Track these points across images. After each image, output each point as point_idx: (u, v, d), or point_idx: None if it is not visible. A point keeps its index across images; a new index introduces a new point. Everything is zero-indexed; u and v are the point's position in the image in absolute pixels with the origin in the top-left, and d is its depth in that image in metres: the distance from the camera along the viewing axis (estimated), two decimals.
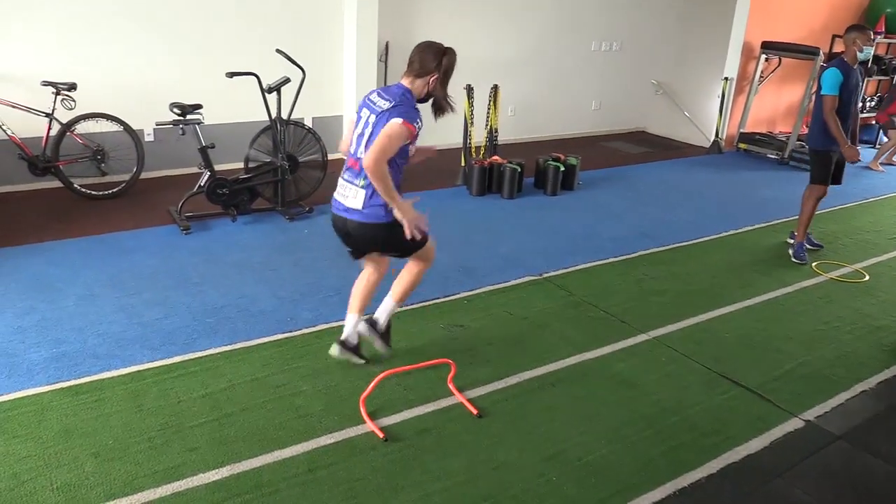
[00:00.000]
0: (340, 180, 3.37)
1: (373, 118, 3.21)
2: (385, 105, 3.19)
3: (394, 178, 3.16)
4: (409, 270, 3.58)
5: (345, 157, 3.42)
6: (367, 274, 3.67)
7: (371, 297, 3.71)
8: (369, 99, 3.30)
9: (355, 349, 3.68)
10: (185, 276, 4.68)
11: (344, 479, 2.90)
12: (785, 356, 4.13)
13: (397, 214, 3.15)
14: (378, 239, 3.36)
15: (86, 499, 2.71)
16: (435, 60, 3.23)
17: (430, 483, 2.92)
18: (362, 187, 3.23)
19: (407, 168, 3.38)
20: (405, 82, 3.28)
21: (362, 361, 3.70)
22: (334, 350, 3.66)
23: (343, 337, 3.66)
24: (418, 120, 3.17)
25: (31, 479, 2.79)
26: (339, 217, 3.38)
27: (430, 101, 3.34)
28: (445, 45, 3.31)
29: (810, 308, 4.79)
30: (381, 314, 3.67)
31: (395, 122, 3.08)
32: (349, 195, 3.30)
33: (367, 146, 3.17)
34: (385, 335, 3.72)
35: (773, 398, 3.68)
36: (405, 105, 3.17)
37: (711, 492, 2.99)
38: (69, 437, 3.05)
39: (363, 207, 3.24)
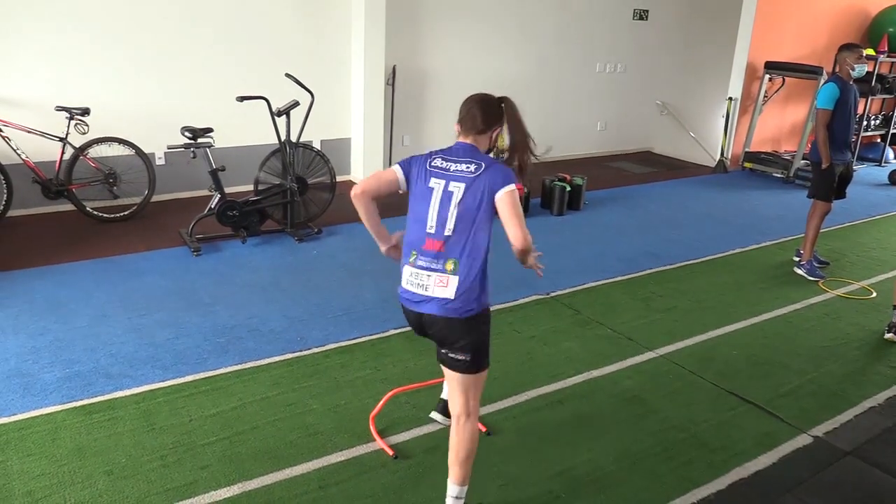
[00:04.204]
0: (411, 269, 2.75)
1: (458, 185, 2.70)
2: (467, 167, 2.73)
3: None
4: (466, 435, 2.79)
5: (357, 201, 2.89)
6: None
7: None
8: (433, 165, 2.77)
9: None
10: (195, 296, 4.73)
11: (354, 497, 2.93)
12: (793, 373, 4.14)
13: (529, 258, 2.77)
14: (463, 333, 2.74)
15: None
16: (493, 114, 2.85)
17: (440, 500, 2.92)
18: (453, 273, 2.69)
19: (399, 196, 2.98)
20: (469, 140, 2.83)
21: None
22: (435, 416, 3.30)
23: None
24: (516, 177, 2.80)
25: (46, 497, 2.83)
26: (412, 313, 2.81)
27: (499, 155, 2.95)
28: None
29: (817, 325, 4.80)
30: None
31: (511, 191, 2.68)
32: (431, 284, 2.70)
33: (457, 220, 2.69)
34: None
35: (781, 414, 3.68)
36: (495, 164, 2.75)
37: None
38: (82, 455, 3.09)
39: (455, 297, 2.68)
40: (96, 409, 3.42)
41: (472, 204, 2.68)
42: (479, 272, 2.71)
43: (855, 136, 9.83)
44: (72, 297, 4.63)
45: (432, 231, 2.71)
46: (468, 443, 2.77)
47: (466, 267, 2.68)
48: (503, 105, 2.88)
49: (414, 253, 2.75)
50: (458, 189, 2.70)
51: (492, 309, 4.78)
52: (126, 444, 3.18)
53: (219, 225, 5.69)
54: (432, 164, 2.79)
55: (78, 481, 2.93)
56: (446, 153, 2.81)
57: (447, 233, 2.70)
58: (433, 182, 2.74)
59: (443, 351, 2.80)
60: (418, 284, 2.73)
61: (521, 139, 2.89)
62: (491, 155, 2.93)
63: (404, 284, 2.78)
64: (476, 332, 2.75)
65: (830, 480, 3.20)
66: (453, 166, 2.75)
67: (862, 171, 9.85)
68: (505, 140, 3.02)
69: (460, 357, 2.75)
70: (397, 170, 2.83)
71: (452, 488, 2.81)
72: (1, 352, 3.91)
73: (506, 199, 2.67)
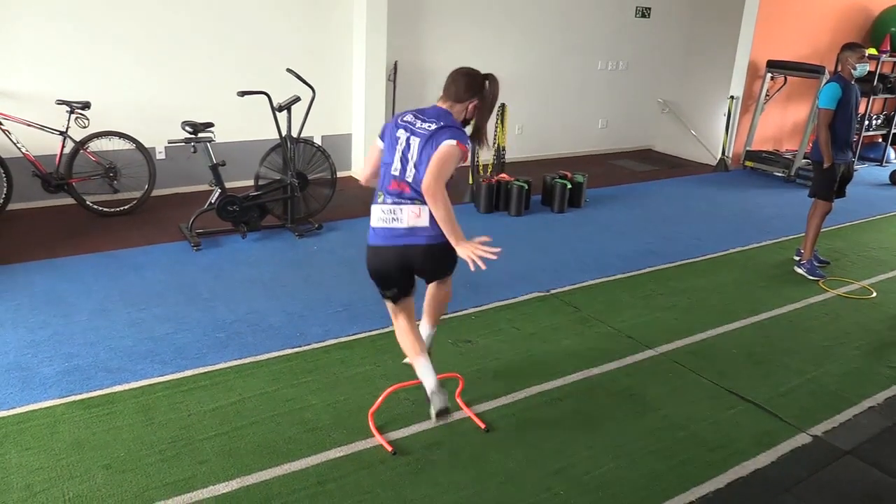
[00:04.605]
0: (381, 206, 3.01)
1: (416, 140, 2.95)
2: (429, 126, 2.96)
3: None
4: (437, 294, 3.34)
5: (370, 185, 3.24)
6: (405, 320, 3.23)
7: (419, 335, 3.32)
8: (404, 120, 3.04)
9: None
10: (195, 291, 4.73)
11: (353, 492, 2.93)
12: (792, 372, 4.13)
13: (459, 246, 2.87)
14: (429, 264, 3.10)
15: None
16: (474, 86, 3.03)
17: (438, 496, 2.93)
18: (424, 204, 2.93)
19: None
20: (445, 106, 3.05)
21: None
22: (437, 417, 3.07)
23: (431, 392, 3.09)
24: (468, 140, 2.97)
25: (44, 491, 2.83)
26: (392, 248, 3.02)
27: (468, 129, 3.10)
28: (446, 70, 3.13)
29: (817, 324, 4.80)
30: (426, 342, 3.39)
31: (450, 144, 2.86)
32: (404, 217, 2.95)
33: (416, 168, 2.94)
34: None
35: (780, 413, 3.68)
36: (453, 126, 2.95)
37: None
38: (81, 449, 3.09)
39: (430, 225, 2.94)
40: (95, 404, 3.42)
41: (425, 157, 2.91)
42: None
43: (857, 136, 9.81)
44: (71, 290, 4.62)
45: (396, 173, 3.00)
46: (447, 296, 3.41)
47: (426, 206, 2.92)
48: (487, 81, 3.05)
49: (381, 193, 3.04)
50: (415, 143, 2.96)
51: (490, 306, 4.80)
52: (125, 438, 3.18)
53: (219, 220, 5.68)
54: (403, 119, 3.06)
55: (76, 475, 2.92)
56: (419, 111, 3.07)
57: (408, 178, 2.97)
58: (399, 132, 3.02)
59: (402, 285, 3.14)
60: (392, 218, 2.98)
61: (483, 117, 3.10)
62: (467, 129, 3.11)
63: (375, 223, 3.03)
64: (452, 257, 3.03)
65: (829, 480, 3.20)
66: (419, 123, 3.00)
67: (863, 170, 9.84)
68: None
69: (439, 278, 3.26)
70: (377, 140, 3.15)
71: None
72: (0, 345, 3.91)
73: (440, 150, 2.88)
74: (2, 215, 5.76)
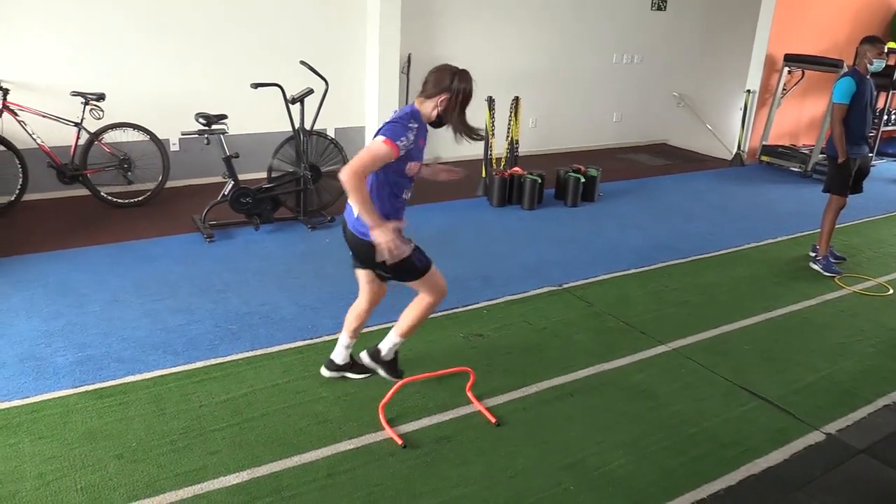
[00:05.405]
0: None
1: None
2: (387, 119, 3.13)
3: (389, 202, 3.13)
4: (416, 303, 3.38)
5: None
6: (360, 298, 3.59)
7: (362, 324, 3.64)
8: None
9: (341, 367, 3.65)
10: (208, 283, 4.74)
11: (363, 485, 2.93)
12: (806, 369, 4.10)
13: (372, 234, 2.98)
14: (361, 254, 3.28)
15: (109, 499, 2.76)
16: (445, 81, 3.09)
17: (448, 490, 2.93)
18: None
19: (426, 182, 3.35)
20: (416, 102, 3.18)
21: (360, 377, 3.67)
22: (323, 371, 3.67)
23: (330, 356, 3.66)
24: (404, 138, 2.99)
25: (57, 480, 2.85)
26: (344, 227, 3.32)
27: (440, 122, 3.17)
28: (460, 63, 3.18)
29: (832, 321, 4.75)
30: (385, 346, 3.53)
31: (377, 140, 2.98)
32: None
33: None
34: (391, 364, 3.56)
35: (793, 411, 3.65)
36: (396, 122, 3.05)
37: None
38: (93, 438, 3.11)
39: (357, 216, 3.14)
40: (108, 394, 3.44)
41: None
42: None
43: (875, 131, 9.69)
44: (85, 281, 4.65)
45: None
46: (423, 310, 3.40)
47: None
48: (455, 77, 3.09)
49: None
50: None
51: (502, 300, 4.79)
52: (137, 428, 3.20)
53: (232, 212, 5.70)
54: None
55: (88, 464, 2.95)
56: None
57: None
58: None
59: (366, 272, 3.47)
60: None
61: (449, 111, 3.12)
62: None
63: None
64: (373, 254, 3.07)
65: (842, 478, 3.17)
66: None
67: (881, 166, 9.73)
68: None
69: (384, 276, 3.43)
70: None
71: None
72: (15, 335, 3.94)
73: (370, 143, 3.02)
74: (17, 206, 5.81)
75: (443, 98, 3.09)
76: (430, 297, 3.33)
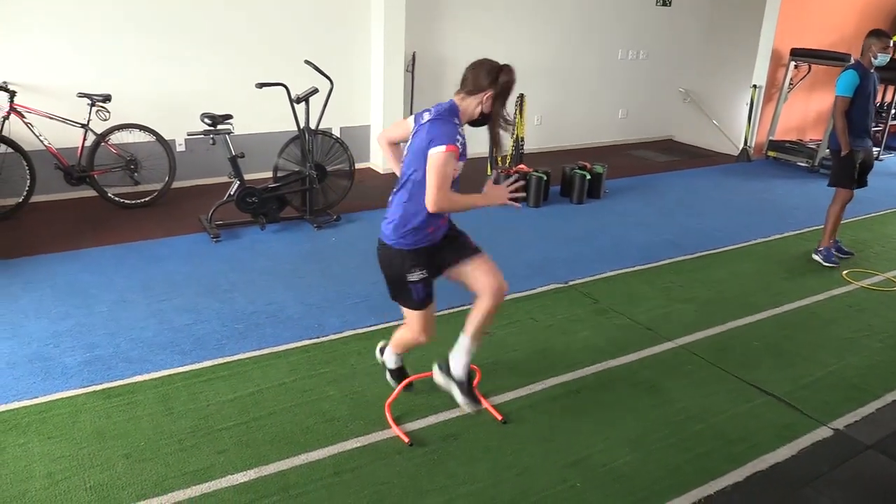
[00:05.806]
0: None
1: (413, 132, 3.02)
2: (426, 117, 2.97)
3: (427, 221, 2.97)
4: (476, 307, 3.24)
5: (380, 142, 3.34)
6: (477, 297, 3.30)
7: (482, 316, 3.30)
8: (419, 113, 3.08)
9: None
10: (214, 282, 4.76)
11: (369, 483, 2.94)
12: (814, 364, 4.08)
13: (486, 198, 3.03)
14: (389, 265, 3.09)
15: (118, 498, 2.78)
16: (489, 77, 2.93)
17: (455, 487, 2.94)
18: (398, 191, 3.05)
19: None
20: (456, 99, 3.00)
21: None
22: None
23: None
24: (459, 136, 2.87)
25: (66, 479, 2.87)
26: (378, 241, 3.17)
27: (484, 120, 3.03)
28: (463, 60, 3.08)
29: (840, 316, 4.73)
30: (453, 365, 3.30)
31: (438, 151, 2.80)
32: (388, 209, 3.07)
33: (406, 159, 3.02)
34: (467, 387, 3.26)
35: (801, 407, 3.64)
36: (444, 122, 2.91)
37: (738, 500, 2.96)
38: (102, 438, 3.13)
39: (391, 217, 3.03)
40: (116, 393, 3.46)
41: (413, 148, 2.96)
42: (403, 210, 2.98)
43: (882, 125, 9.64)
44: (93, 282, 4.68)
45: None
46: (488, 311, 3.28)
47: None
48: (501, 73, 2.95)
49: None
50: (412, 136, 3.02)
51: (508, 297, 4.77)
52: (145, 427, 3.21)
53: (238, 211, 5.72)
54: (421, 116, 3.05)
55: (97, 464, 2.96)
56: (434, 107, 3.04)
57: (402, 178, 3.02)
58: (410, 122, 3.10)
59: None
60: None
61: (497, 108, 3.00)
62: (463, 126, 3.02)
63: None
64: (398, 268, 3.04)
65: (850, 474, 3.16)
66: (425, 114, 3.01)
67: (888, 160, 9.68)
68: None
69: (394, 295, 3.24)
70: (410, 118, 3.14)
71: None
72: (23, 336, 3.96)
73: (430, 159, 2.84)
74: (25, 208, 5.84)
75: (489, 94, 2.94)
76: (417, 334, 3.25)
